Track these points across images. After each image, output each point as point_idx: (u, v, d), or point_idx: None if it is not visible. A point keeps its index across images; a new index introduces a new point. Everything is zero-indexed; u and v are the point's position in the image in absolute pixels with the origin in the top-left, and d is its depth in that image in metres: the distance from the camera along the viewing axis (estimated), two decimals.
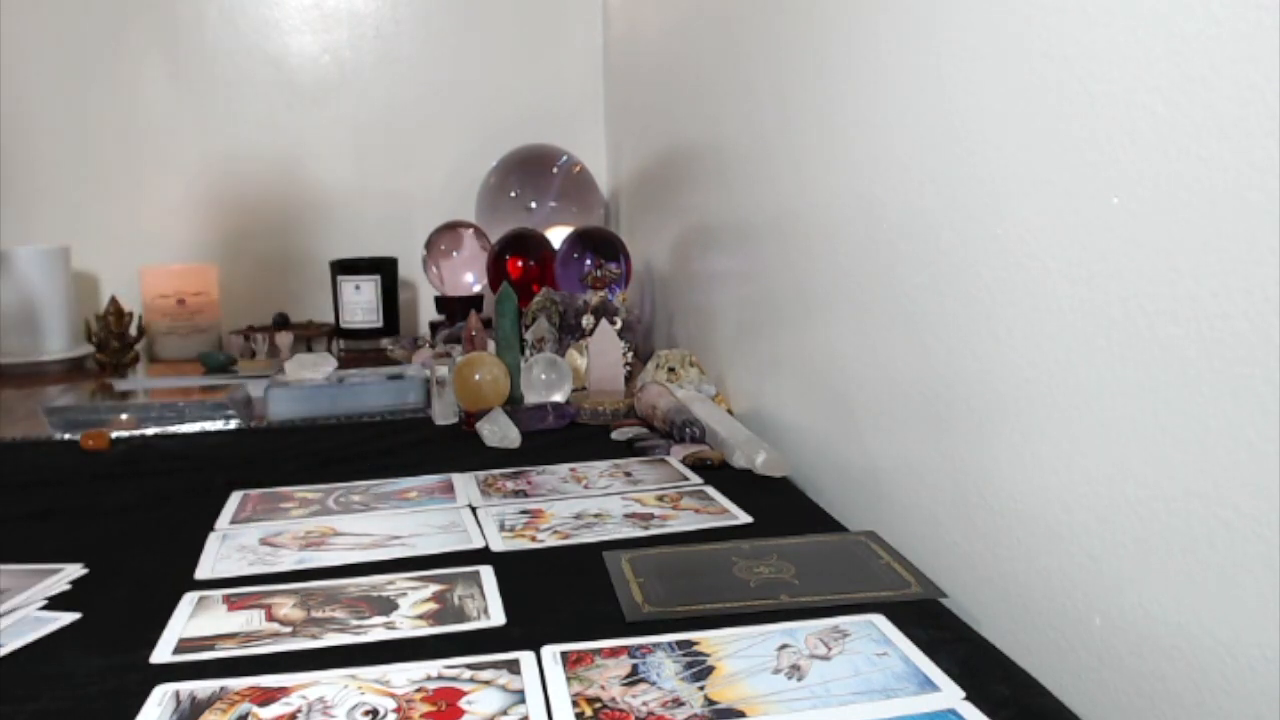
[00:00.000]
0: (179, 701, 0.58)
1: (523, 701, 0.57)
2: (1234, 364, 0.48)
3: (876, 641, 0.63)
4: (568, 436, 1.19)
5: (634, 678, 0.59)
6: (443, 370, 1.27)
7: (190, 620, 0.69)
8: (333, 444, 1.18)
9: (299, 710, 0.57)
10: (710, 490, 0.95)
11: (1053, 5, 0.60)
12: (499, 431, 1.15)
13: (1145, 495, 0.54)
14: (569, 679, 0.59)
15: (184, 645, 0.65)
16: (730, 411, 1.21)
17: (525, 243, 1.66)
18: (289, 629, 0.67)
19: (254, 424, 1.29)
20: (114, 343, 1.72)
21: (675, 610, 0.68)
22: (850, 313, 0.89)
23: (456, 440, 1.18)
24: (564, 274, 1.56)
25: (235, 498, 0.97)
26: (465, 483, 1.00)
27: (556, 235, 1.67)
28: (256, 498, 0.97)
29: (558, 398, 1.27)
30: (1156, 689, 0.54)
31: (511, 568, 0.77)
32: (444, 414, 1.26)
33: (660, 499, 0.93)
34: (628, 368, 1.36)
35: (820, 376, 0.97)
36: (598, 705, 0.56)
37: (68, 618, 0.71)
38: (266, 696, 0.58)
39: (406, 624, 0.67)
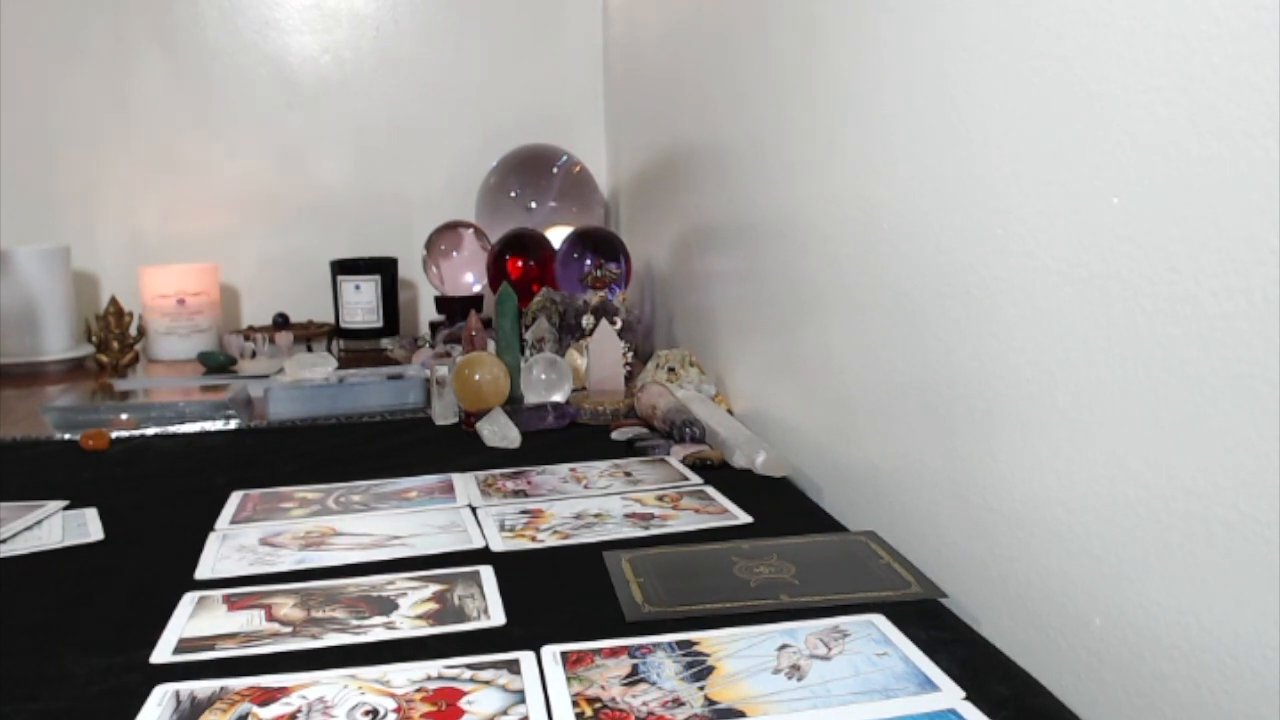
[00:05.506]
0: (179, 701, 0.58)
1: (523, 701, 0.57)
2: (1234, 364, 0.48)
3: (876, 641, 0.63)
4: (568, 436, 1.19)
5: (634, 678, 0.59)
6: (443, 370, 1.27)
7: (190, 620, 0.69)
8: (333, 444, 1.18)
9: (299, 710, 0.57)
10: (710, 490, 0.95)
11: (1053, 5, 0.60)
12: (499, 431, 1.15)
13: (1145, 495, 0.54)
14: (569, 679, 0.59)
15: (184, 645, 0.65)
16: (730, 411, 1.21)
17: (525, 243, 1.66)
18: (289, 629, 0.67)
19: (254, 424, 1.29)
20: (114, 343, 1.72)
21: (675, 610, 0.68)
22: (850, 312, 0.89)
23: (456, 440, 1.18)
24: (564, 274, 1.56)
25: (235, 498, 0.97)
26: (465, 483, 1.00)
27: (556, 235, 1.67)
28: (256, 498, 0.97)
29: (558, 398, 1.27)
30: (1156, 689, 0.54)
31: (511, 568, 0.77)
32: (444, 414, 1.26)
33: (660, 499, 0.93)
34: (628, 368, 1.36)
35: (820, 376, 0.97)
36: (598, 705, 0.56)
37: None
38: (266, 696, 0.58)
39: (406, 624, 0.67)
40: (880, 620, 0.65)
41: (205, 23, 1.95)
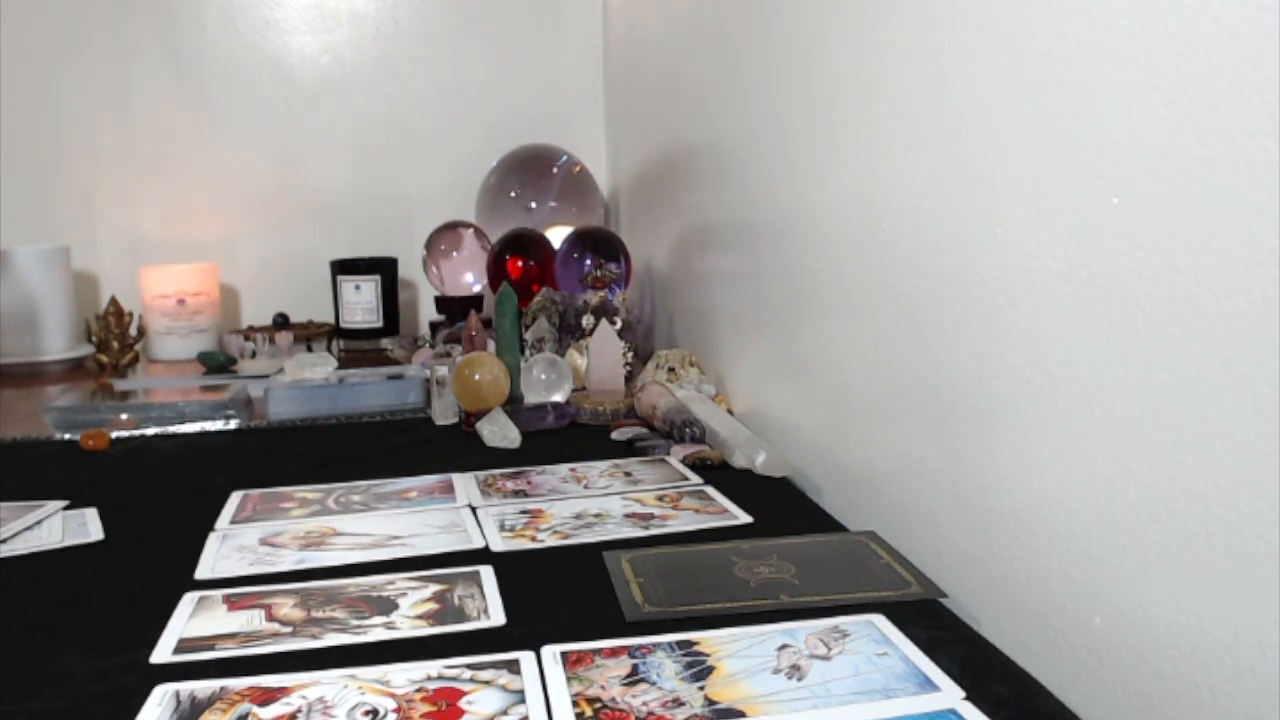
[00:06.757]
0: (179, 701, 0.58)
1: (523, 701, 0.57)
2: (1234, 364, 0.48)
3: (876, 641, 0.63)
4: (568, 436, 1.19)
5: (634, 678, 0.59)
6: (443, 370, 1.27)
7: (190, 620, 0.69)
8: (333, 444, 1.18)
9: (299, 710, 0.57)
10: (710, 490, 0.95)
11: (1052, 5, 0.60)
12: (499, 431, 1.15)
13: (1145, 495, 0.54)
14: (569, 679, 0.59)
15: (184, 645, 0.65)
16: (730, 411, 1.21)
17: (525, 243, 1.66)
18: (289, 629, 0.67)
19: (254, 424, 1.29)
20: (114, 343, 1.72)
21: (675, 610, 0.68)
22: (850, 312, 0.89)
23: (456, 440, 1.18)
24: (564, 274, 1.56)
25: (235, 498, 0.97)
26: (465, 483, 1.00)
27: (556, 235, 1.67)
28: (256, 498, 0.97)
29: (558, 398, 1.27)
30: (1156, 689, 0.54)
31: (511, 568, 0.77)
32: (444, 414, 1.26)
33: (660, 499, 0.93)
34: (628, 368, 1.36)
35: (820, 376, 0.97)
36: (598, 705, 0.56)
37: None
38: (266, 696, 0.58)
39: (406, 624, 0.67)
40: (880, 620, 0.65)
41: (205, 23, 1.95)
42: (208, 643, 0.66)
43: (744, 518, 0.87)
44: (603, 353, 1.29)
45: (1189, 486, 0.51)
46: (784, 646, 0.62)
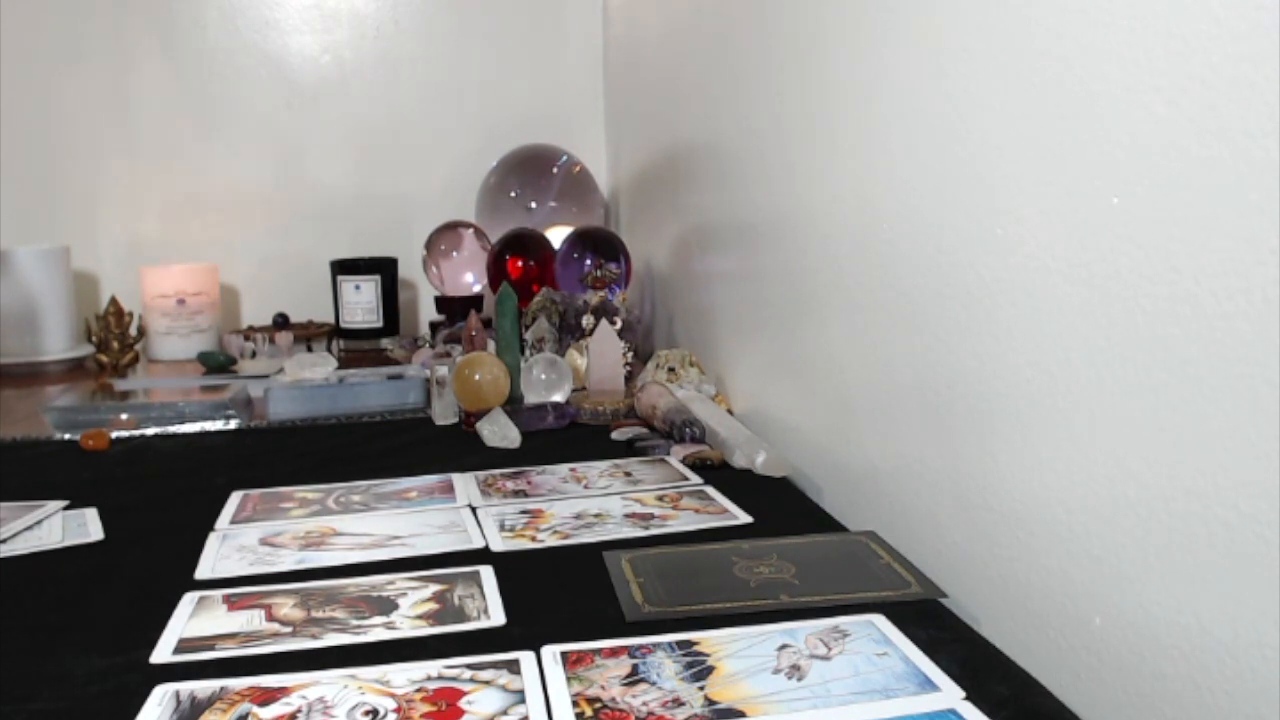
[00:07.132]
0: (179, 701, 0.58)
1: (523, 701, 0.57)
2: (1234, 364, 0.48)
3: (876, 641, 0.63)
4: (568, 436, 1.19)
5: (634, 678, 0.59)
6: (443, 370, 1.27)
7: (190, 620, 0.69)
8: (333, 444, 1.18)
9: (299, 710, 0.57)
10: (710, 490, 0.95)
11: (1052, 5, 0.60)
12: (499, 431, 1.15)
13: (1145, 495, 0.54)
14: (569, 679, 0.59)
15: (184, 645, 0.65)
16: (730, 411, 1.21)
17: (525, 243, 1.66)
18: (289, 629, 0.67)
19: (254, 424, 1.29)
20: (114, 343, 1.72)
21: (675, 610, 0.68)
22: (850, 312, 0.89)
23: (456, 440, 1.18)
24: (564, 274, 1.56)
25: (235, 498, 0.97)
26: (465, 483, 1.00)
27: (556, 235, 1.67)
28: (256, 498, 0.97)
29: (558, 398, 1.27)
30: (1156, 689, 0.54)
31: (511, 568, 0.77)
32: (444, 414, 1.26)
33: (660, 499, 0.93)
34: (628, 368, 1.36)
35: (820, 376, 0.97)
36: (598, 705, 0.56)
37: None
38: (266, 696, 0.58)
39: (406, 624, 0.67)
40: (880, 620, 0.65)
41: (205, 23, 1.95)
42: (208, 643, 0.66)
43: (744, 518, 0.87)
44: (603, 353, 1.29)
45: (1189, 486, 0.51)
46: (784, 646, 0.62)
